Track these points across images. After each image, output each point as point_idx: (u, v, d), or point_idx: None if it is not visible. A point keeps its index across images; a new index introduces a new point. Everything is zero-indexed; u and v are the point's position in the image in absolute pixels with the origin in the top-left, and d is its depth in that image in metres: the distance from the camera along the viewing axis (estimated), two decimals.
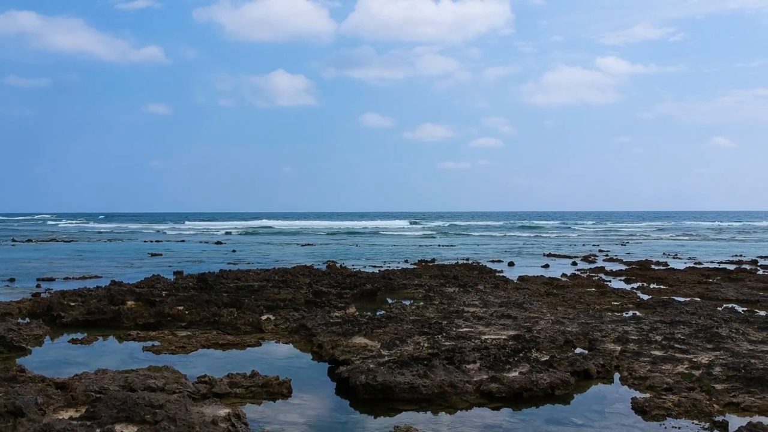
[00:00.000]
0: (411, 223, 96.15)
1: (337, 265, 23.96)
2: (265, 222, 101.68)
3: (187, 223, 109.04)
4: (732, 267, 23.84)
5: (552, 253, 31.07)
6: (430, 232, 63.20)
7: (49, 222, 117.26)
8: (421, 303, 14.72)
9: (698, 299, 15.42)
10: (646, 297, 15.60)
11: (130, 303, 14.19)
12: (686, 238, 51.58)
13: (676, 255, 30.20)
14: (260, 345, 10.08)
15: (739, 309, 13.52)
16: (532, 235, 56.07)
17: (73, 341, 10.33)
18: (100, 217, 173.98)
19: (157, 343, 10.12)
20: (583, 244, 41.84)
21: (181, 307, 12.94)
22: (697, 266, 24.67)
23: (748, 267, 23.74)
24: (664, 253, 31.47)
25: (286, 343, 10.25)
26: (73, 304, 12.85)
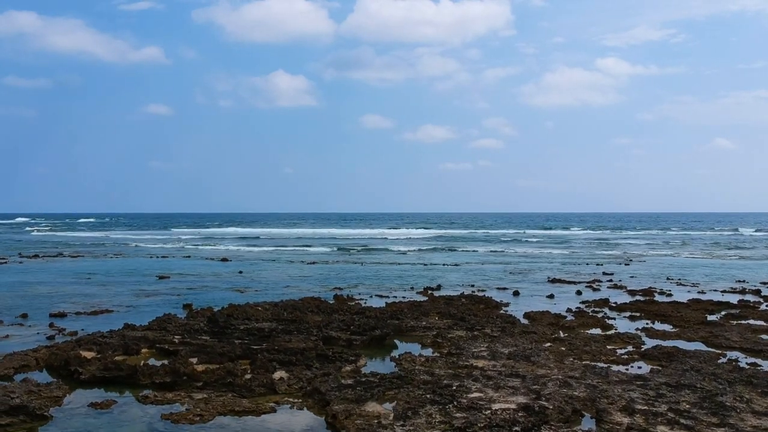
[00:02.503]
0: (414, 229, 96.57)
1: (344, 296, 24.23)
2: (260, 231, 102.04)
3: (173, 230, 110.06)
4: (735, 298, 24.07)
5: (556, 278, 31.28)
6: (434, 246, 63.41)
7: (26, 228, 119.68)
8: (430, 350, 15.02)
9: (702, 345, 15.68)
10: (651, 342, 15.83)
11: (144, 351, 14.50)
12: (689, 254, 51.72)
13: (679, 281, 30.40)
14: (275, 411, 10.32)
15: (743, 361, 13.76)
16: (535, 251, 56.27)
17: (93, 405, 10.57)
18: (81, 220, 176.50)
19: (175, 407, 10.38)
20: (587, 263, 42.05)
21: (194, 360, 13.21)
22: (701, 296, 24.94)
23: (751, 299, 23.94)
24: (667, 278, 31.69)
25: (300, 408, 10.49)
26: (89, 357, 13.12)
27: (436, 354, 14.66)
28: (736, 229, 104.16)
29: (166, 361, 13.19)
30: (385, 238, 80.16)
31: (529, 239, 76.22)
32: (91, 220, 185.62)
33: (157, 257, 46.87)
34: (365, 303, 22.72)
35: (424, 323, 17.71)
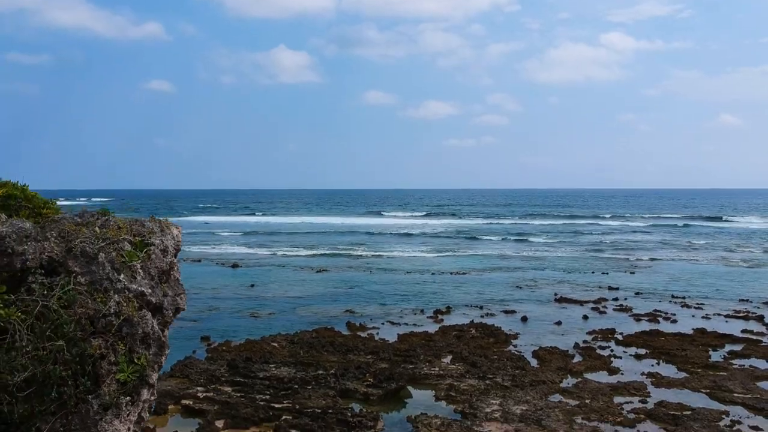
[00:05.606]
0: (420, 220, 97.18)
1: (357, 324, 24.85)
2: (265, 221, 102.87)
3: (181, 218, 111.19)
4: (739, 326, 24.63)
5: (563, 297, 31.85)
6: (439, 248, 64.08)
7: None
8: (444, 403, 15.69)
9: (706, 398, 16.29)
10: (656, 394, 16.47)
11: (171, 408, 15.15)
12: (693, 258, 52.20)
13: (684, 301, 30.96)
14: None
15: (746, 423, 14.37)
16: (539, 253, 56.80)
17: None
18: (63, 203, 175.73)
19: None
20: (592, 272, 42.60)
21: (220, 425, 13.86)
22: (706, 321, 25.65)
23: (754, 328, 24.47)
24: (672, 296, 32.26)
25: None
26: None
27: (449, 408, 15.36)
28: (738, 221, 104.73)
29: (195, 425, 13.86)
30: (390, 233, 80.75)
31: (534, 236, 76.70)
32: (83, 200, 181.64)
33: None
34: (378, 334, 23.35)
35: (436, 369, 18.31)
